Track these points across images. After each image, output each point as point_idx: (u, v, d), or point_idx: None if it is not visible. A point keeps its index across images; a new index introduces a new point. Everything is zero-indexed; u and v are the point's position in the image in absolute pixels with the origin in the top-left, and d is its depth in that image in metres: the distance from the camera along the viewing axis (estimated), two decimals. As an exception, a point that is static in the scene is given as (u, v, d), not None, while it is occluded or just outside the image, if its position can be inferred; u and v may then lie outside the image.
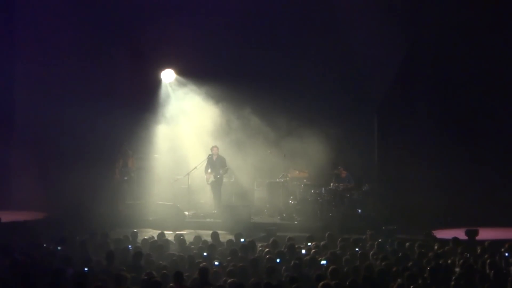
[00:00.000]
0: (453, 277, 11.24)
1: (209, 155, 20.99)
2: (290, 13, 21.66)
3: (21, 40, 22.37)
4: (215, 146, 21.08)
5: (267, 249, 14.06)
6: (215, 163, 20.97)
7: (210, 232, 16.03)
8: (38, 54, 21.89)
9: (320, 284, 10.47)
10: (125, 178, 21.18)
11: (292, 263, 12.24)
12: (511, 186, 20.04)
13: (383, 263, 12.40)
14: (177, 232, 17.18)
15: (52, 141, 21.77)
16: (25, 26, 21.93)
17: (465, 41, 20.57)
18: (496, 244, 13.88)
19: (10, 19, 21.87)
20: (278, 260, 12.93)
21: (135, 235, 15.93)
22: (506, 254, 13.18)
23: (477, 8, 20.21)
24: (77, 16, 21.51)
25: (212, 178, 20.97)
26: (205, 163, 21.01)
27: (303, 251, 14.15)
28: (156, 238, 15.38)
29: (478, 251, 13.58)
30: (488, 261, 12.25)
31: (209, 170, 21.01)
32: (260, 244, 14.80)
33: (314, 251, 13.80)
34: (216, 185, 21.03)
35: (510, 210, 19.32)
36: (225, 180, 21.40)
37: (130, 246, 14.58)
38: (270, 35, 21.65)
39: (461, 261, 12.43)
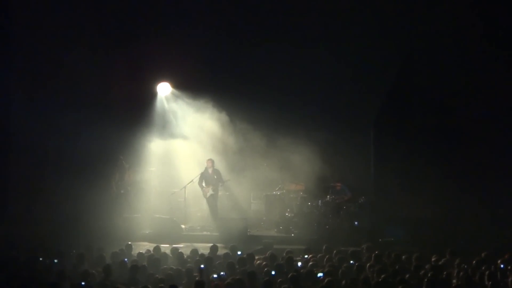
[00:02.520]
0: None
1: (205, 168, 20.97)
2: (285, 25, 21.71)
3: (17, 54, 22.33)
4: (210, 160, 21.06)
5: (264, 262, 14.05)
6: (211, 176, 20.95)
7: (207, 245, 16.01)
8: (34, 65, 21.85)
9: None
10: (122, 191, 21.18)
11: (290, 275, 12.23)
12: (509, 197, 20.03)
13: (380, 276, 12.38)
14: (174, 246, 17.14)
15: (48, 155, 21.74)
16: (22, 37, 21.89)
17: (461, 53, 20.63)
18: (493, 255, 13.88)
19: (7, 27, 21.83)
20: (273, 273, 12.92)
21: (129, 247, 15.91)
22: (502, 266, 13.16)
23: (472, 20, 20.29)
24: (75, 28, 21.53)
25: (210, 192, 20.91)
26: (198, 178, 20.97)
27: (299, 264, 14.15)
28: (152, 252, 15.35)
29: (475, 262, 13.58)
30: (485, 272, 12.24)
31: (204, 184, 20.97)
32: (257, 257, 14.77)
33: (311, 264, 13.80)
34: (214, 199, 20.98)
35: (509, 220, 19.27)
36: (221, 193, 21.37)
37: (126, 259, 14.55)
38: (266, 48, 21.68)
39: (460, 273, 12.42)
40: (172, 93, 22.61)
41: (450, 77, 20.85)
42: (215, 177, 20.91)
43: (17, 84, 21.94)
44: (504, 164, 20.53)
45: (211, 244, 16.27)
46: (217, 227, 19.91)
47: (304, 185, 21.52)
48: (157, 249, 15.61)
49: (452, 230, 18.79)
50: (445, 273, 12.67)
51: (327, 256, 14.40)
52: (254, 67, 21.63)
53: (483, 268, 12.91)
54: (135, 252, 15.81)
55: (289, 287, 11.45)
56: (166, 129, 22.32)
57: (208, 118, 21.96)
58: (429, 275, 12.31)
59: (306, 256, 14.85)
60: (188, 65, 21.70)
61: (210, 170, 20.95)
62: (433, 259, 14.09)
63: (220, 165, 21.25)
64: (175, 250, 15.41)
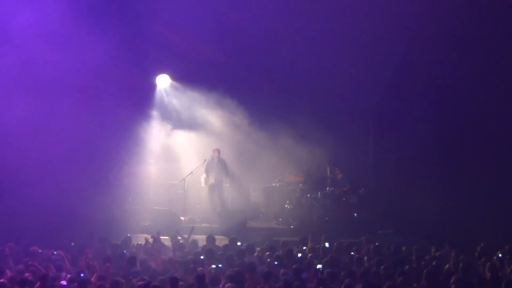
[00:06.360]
0: (451, 280, 11.25)
1: (211, 157, 20.88)
2: (285, 20, 21.66)
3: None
4: (216, 149, 20.97)
5: (261, 254, 14.10)
6: (216, 165, 20.86)
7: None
8: (31, 55, 21.73)
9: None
10: (117, 183, 21.22)
11: (292, 267, 12.28)
12: (508, 190, 20.00)
13: (380, 267, 12.40)
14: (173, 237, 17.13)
15: (47, 145, 21.68)
16: (20, 22, 21.72)
17: (459, 45, 20.58)
18: (492, 247, 13.89)
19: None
20: (275, 262, 12.99)
21: (128, 240, 15.93)
22: (500, 256, 13.18)
23: (472, 14, 20.23)
24: (72, 18, 21.41)
25: (211, 181, 20.83)
26: (205, 166, 20.91)
27: (299, 255, 14.18)
28: (152, 243, 15.34)
29: (475, 254, 13.61)
30: (485, 264, 12.27)
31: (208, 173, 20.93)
32: (257, 249, 14.80)
33: (310, 255, 13.83)
34: (216, 187, 20.92)
35: (508, 213, 19.25)
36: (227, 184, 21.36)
37: (125, 251, 14.57)
38: (265, 40, 21.63)
39: (460, 264, 12.44)
40: (172, 85, 22.58)
41: (450, 67, 20.79)
42: (220, 167, 20.85)
43: (18, 72, 21.81)
44: (503, 157, 20.51)
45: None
46: (216, 218, 19.87)
47: (303, 177, 21.51)
48: (156, 241, 15.61)
49: (451, 222, 18.81)
50: (446, 266, 12.69)
51: (326, 248, 14.44)
52: (253, 59, 21.57)
53: (482, 259, 12.93)
54: (133, 243, 15.82)
55: (288, 278, 11.46)
56: (165, 121, 22.30)
57: (207, 110, 21.94)
58: (429, 266, 12.34)
59: (304, 247, 14.89)
60: (188, 58, 21.64)
61: (215, 160, 20.87)
62: (432, 251, 14.14)
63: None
64: (174, 242, 15.42)
